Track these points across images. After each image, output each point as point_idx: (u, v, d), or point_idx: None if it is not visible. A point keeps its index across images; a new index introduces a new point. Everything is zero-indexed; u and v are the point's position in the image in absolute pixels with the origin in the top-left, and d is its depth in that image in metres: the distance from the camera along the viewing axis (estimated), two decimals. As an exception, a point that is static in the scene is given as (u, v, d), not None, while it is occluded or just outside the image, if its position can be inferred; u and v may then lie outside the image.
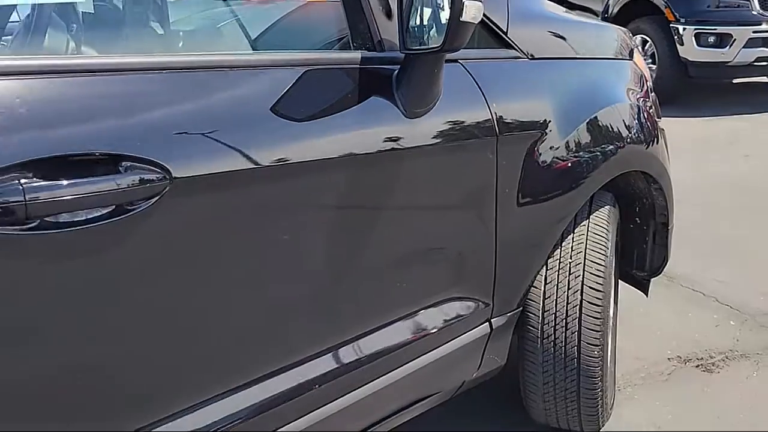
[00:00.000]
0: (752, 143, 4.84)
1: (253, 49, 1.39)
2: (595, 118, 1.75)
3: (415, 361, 1.42)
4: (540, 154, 1.59)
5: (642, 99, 1.99)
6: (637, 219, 2.10)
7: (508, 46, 1.58)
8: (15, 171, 0.85)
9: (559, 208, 1.67)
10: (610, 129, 1.79)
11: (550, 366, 1.73)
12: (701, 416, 2.03)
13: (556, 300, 1.71)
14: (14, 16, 1.72)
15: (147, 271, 1.00)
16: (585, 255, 1.72)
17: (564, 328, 1.71)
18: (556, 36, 1.79)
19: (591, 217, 1.78)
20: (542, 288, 1.71)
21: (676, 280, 2.80)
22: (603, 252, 1.74)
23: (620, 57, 2.03)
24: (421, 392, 1.52)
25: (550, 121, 1.61)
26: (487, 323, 1.58)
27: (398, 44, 1.26)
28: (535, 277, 1.69)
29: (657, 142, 1.97)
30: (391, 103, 1.28)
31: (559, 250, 1.72)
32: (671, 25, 5.78)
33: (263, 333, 1.19)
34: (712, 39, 5.60)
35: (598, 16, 6.65)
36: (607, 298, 1.75)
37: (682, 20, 5.70)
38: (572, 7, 7.10)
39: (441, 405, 1.65)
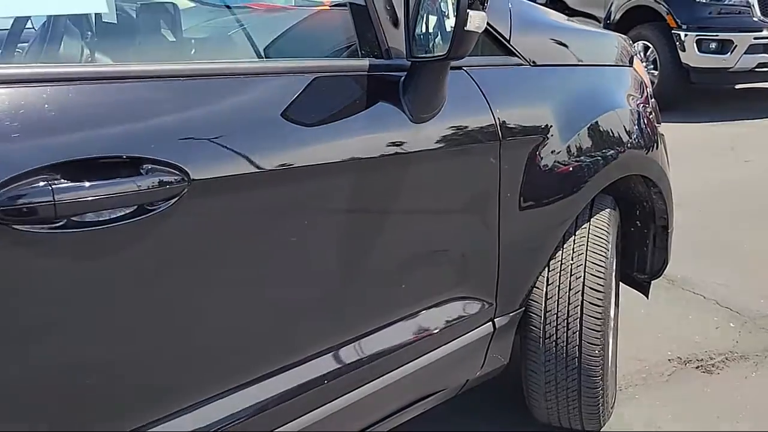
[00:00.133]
0: (753, 148, 4.88)
1: (265, 57, 1.44)
2: (596, 123, 1.79)
3: (420, 358, 1.46)
4: (542, 159, 1.64)
5: (642, 105, 2.03)
6: (637, 222, 2.14)
7: (510, 53, 1.63)
8: (45, 173, 0.90)
9: (560, 211, 1.71)
10: (611, 134, 1.83)
11: (552, 365, 1.77)
12: (701, 416, 2.06)
13: (558, 300, 1.75)
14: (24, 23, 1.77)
15: (166, 269, 1.05)
16: (586, 257, 1.76)
17: (565, 328, 1.75)
18: (558, 43, 1.83)
19: (592, 219, 1.82)
20: (544, 289, 1.75)
21: (676, 283, 2.84)
22: (603, 254, 1.78)
23: (620, 64, 2.07)
24: (427, 389, 1.56)
25: (551, 126, 1.66)
26: (491, 323, 1.62)
27: (405, 52, 1.31)
28: (537, 278, 1.73)
29: (656, 147, 2.01)
30: (398, 109, 1.33)
31: (560, 251, 1.76)
32: (673, 31, 5.83)
33: (274, 330, 1.24)
34: (713, 45, 5.64)
35: (600, 22, 6.71)
36: (607, 298, 1.79)
37: (684, 26, 5.75)
38: (574, 13, 7.17)
39: (444, 403, 1.69)
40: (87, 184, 0.93)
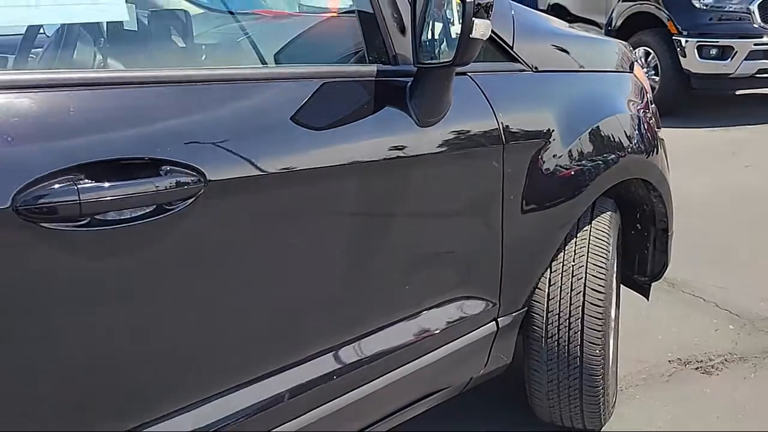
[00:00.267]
0: (754, 153, 4.91)
1: (276, 63, 1.49)
2: (597, 127, 1.83)
3: (426, 356, 1.50)
4: (544, 162, 1.68)
5: (642, 110, 2.07)
6: (638, 225, 2.17)
7: (513, 59, 1.67)
8: (70, 173, 0.94)
9: (562, 213, 1.75)
10: (611, 138, 1.87)
11: (554, 364, 1.81)
12: (701, 416, 2.09)
13: (560, 301, 1.78)
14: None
15: (183, 267, 1.09)
16: (587, 258, 1.80)
17: (567, 328, 1.78)
18: (559, 50, 1.88)
19: (593, 222, 1.86)
20: (546, 289, 1.79)
21: (677, 286, 2.88)
22: (604, 255, 1.82)
23: (621, 70, 2.11)
24: (432, 387, 1.60)
25: (553, 131, 1.70)
26: (494, 322, 1.66)
27: (411, 58, 1.35)
28: (540, 279, 1.77)
29: (656, 151, 2.05)
30: (404, 113, 1.37)
31: (562, 253, 1.80)
32: (674, 37, 5.88)
33: (284, 328, 1.28)
34: (714, 51, 5.69)
35: (601, 28, 6.76)
36: (608, 299, 1.83)
37: (685, 33, 5.80)
38: (576, 19, 7.22)
39: (445, 403, 1.72)
40: (109, 184, 0.97)
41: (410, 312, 1.47)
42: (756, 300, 2.76)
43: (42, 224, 0.93)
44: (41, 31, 1.88)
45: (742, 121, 5.79)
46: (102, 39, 1.66)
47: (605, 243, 1.84)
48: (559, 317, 1.78)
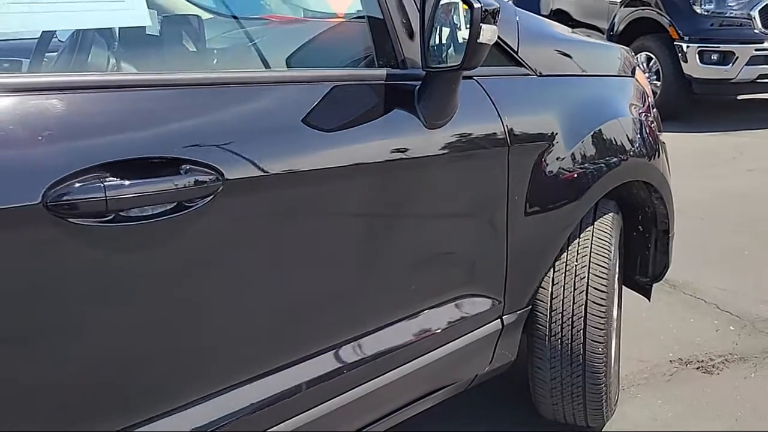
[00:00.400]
0: (755, 158, 4.95)
1: (288, 67, 1.53)
2: (599, 130, 1.87)
3: (433, 352, 1.54)
4: (548, 164, 1.72)
5: (644, 113, 2.11)
6: (639, 227, 2.21)
7: (518, 64, 1.72)
8: (96, 171, 0.99)
9: (565, 214, 1.79)
10: (614, 141, 1.91)
11: (558, 362, 1.85)
12: (701, 414, 2.13)
13: (563, 300, 1.82)
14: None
15: (201, 263, 1.13)
16: (590, 258, 1.84)
17: (570, 327, 1.82)
18: (563, 54, 1.92)
19: (595, 223, 1.90)
20: (550, 288, 1.82)
21: (678, 288, 2.91)
22: (607, 255, 1.86)
23: (623, 74, 2.16)
24: (439, 383, 1.63)
25: (557, 134, 1.74)
26: (499, 320, 1.70)
27: (420, 62, 1.40)
28: (543, 278, 1.80)
29: (658, 154, 2.09)
30: (413, 116, 1.41)
31: (565, 253, 1.84)
32: (675, 42, 5.92)
33: (297, 323, 1.32)
34: (715, 56, 5.73)
35: (603, 33, 6.81)
36: (610, 298, 1.86)
37: (686, 38, 5.84)
38: (578, 25, 7.28)
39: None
40: (133, 182, 1.02)
41: (418, 310, 1.51)
42: (756, 302, 2.80)
43: (70, 220, 0.97)
44: (55, 36, 1.92)
45: (744, 126, 5.83)
46: (125, 43, 1.71)
47: (607, 243, 1.88)
48: (563, 316, 1.82)
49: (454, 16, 1.44)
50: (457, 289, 1.59)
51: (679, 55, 5.88)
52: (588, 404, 1.91)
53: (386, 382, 1.46)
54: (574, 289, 1.82)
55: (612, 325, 1.92)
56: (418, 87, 1.43)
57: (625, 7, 6.59)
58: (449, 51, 1.43)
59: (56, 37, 1.92)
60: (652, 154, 2.07)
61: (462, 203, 1.57)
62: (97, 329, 1.05)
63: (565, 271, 1.83)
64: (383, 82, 1.41)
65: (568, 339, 1.82)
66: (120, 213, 1.01)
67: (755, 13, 5.73)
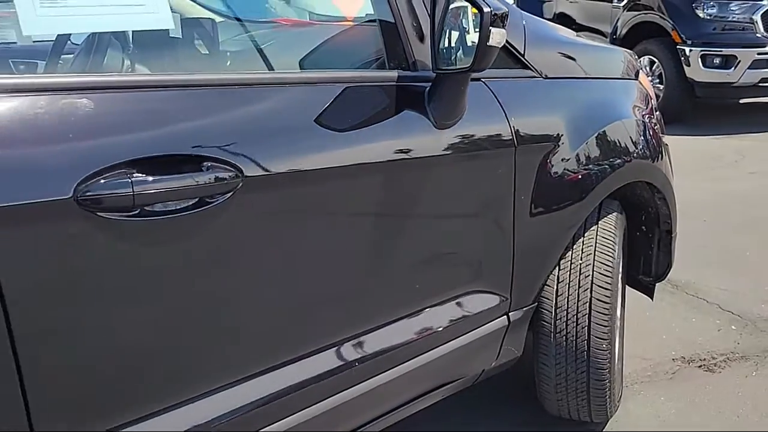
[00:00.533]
0: (757, 161, 4.99)
1: (302, 68, 1.57)
2: (604, 132, 1.91)
3: (441, 347, 1.58)
4: (553, 165, 1.76)
5: (647, 115, 2.15)
6: (643, 227, 2.25)
7: (525, 66, 1.76)
8: (124, 168, 1.03)
9: (570, 213, 1.82)
10: (617, 142, 1.95)
11: (562, 359, 1.88)
12: (703, 411, 2.17)
13: (568, 297, 1.86)
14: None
15: (221, 257, 1.17)
16: (594, 257, 1.88)
17: (575, 324, 1.86)
18: (568, 57, 1.96)
19: (600, 222, 1.93)
20: (555, 286, 1.86)
21: (681, 288, 2.95)
22: (611, 254, 1.89)
23: (626, 77, 2.20)
24: (447, 377, 1.67)
25: (562, 135, 1.78)
26: (505, 316, 1.74)
27: (431, 64, 1.44)
28: (549, 276, 1.84)
29: (661, 155, 2.13)
30: (423, 116, 1.45)
31: (570, 252, 1.87)
32: (678, 46, 5.97)
33: (308, 316, 1.36)
34: (717, 60, 5.77)
35: (606, 37, 6.86)
36: (614, 296, 1.90)
37: (689, 42, 5.89)
38: (581, 28, 7.32)
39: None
40: (158, 178, 1.06)
41: (427, 305, 1.55)
42: (758, 302, 2.84)
43: (99, 214, 1.01)
44: (69, 39, 1.97)
45: (746, 129, 5.87)
46: (146, 45, 1.75)
47: (612, 242, 1.92)
48: (567, 313, 1.86)
49: (463, 20, 1.49)
50: (465, 285, 1.63)
51: (682, 58, 5.92)
52: (592, 400, 1.94)
53: (396, 375, 1.50)
54: (579, 287, 1.86)
55: (616, 322, 1.96)
56: (428, 88, 1.47)
57: (628, 11, 6.63)
58: (458, 54, 1.48)
59: (70, 40, 1.97)
60: (656, 155, 2.11)
61: (470, 201, 1.61)
62: (122, 319, 1.09)
63: (570, 269, 1.87)
64: (395, 83, 1.45)
65: (572, 336, 1.86)
66: (145, 208, 1.05)
67: (757, 18, 5.77)
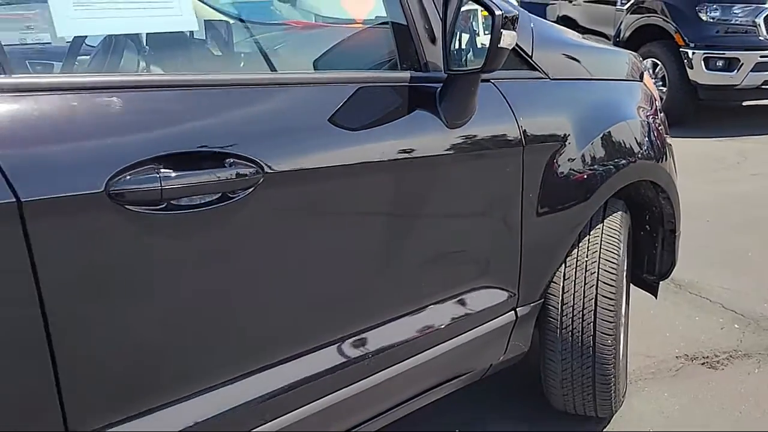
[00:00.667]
0: (759, 163, 5.02)
1: (319, 69, 1.62)
2: (609, 132, 1.95)
3: (451, 341, 1.62)
4: (559, 165, 1.80)
5: (651, 116, 2.20)
6: (647, 226, 2.29)
7: (532, 68, 1.80)
8: (152, 163, 1.07)
9: (575, 211, 1.86)
10: (622, 142, 1.99)
11: (568, 354, 1.92)
12: (706, 407, 2.20)
13: (574, 294, 1.90)
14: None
15: (242, 250, 1.22)
16: (599, 254, 1.92)
17: (581, 320, 1.90)
18: (574, 59, 2.00)
19: (605, 221, 1.97)
20: (561, 283, 1.90)
21: (684, 288, 2.99)
22: (616, 252, 1.93)
23: (631, 78, 2.24)
24: (456, 371, 1.72)
25: (569, 135, 1.82)
26: (513, 312, 1.78)
27: (442, 66, 1.48)
28: (555, 273, 1.88)
29: (665, 155, 2.17)
30: (434, 116, 1.50)
31: (576, 249, 1.92)
32: (681, 49, 6.00)
33: (322, 308, 1.40)
34: (720, 63, 5.81)
35: (609, 40, 6.89)
36: (619, 293, 1.94)
37: (692, 45, 5.92)
38: (585, 31, 7.35)
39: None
40: (184, 173, 1.11)
41: (436, 300, 1.59)
42: (760, 301, 2.87)
43: (128, 207, 1.05)
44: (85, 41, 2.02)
45: (749, 132, 5.90)
46: (147, 48, 1.80)
47: (616, 240, 1.96)
48: (573, 309, 1.90)
49: (473, 23, 1.53)
50: (474, 281, 1.67)
51: (685, 61, 5.96)
52: (597, 395, 1.98)
53: (407, 368, 1.54)
54: (585, 284, 1.90)
55: (621, 319, 1.99)
56: (439, 89, 1.51)
57: (632, 14, 6.67)
58: (469, 55, 1.52)
59: (86, 43, 2.02)
60: (660, 155, 2.15)
61: (479, 199, 1.66)
62: (147, 309, 1.13)
63: (576, 266, 1.91)
64: (407, 84, 1.49)
65: (578, 332, 1.90)
66: (172, 202, 1.10)
67: (760, 21, 5.80)
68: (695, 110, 6.17)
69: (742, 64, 5.74)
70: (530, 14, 1.89)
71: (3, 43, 1.00)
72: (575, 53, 2.02)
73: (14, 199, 0.95)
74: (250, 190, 1.18)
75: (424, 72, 1.53)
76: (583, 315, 1.90)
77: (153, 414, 1.15)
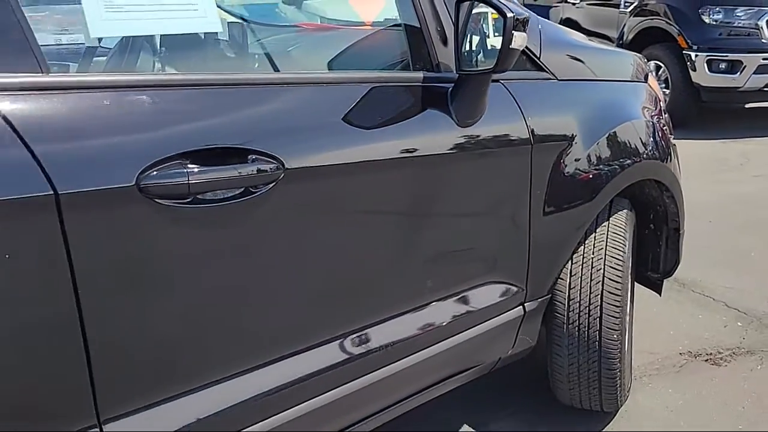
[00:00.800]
0: (762, 164, 5.06)
1: (334, 69, 1.67)
2: (614, 132, 2.00)
3: (462, 334, 1.67)
4: (566, 164, 1.84)
5: (656, 116, 2.24)
6: (651, 225, 2.33)
7: (540, 68, 1.84)
8: (179, 159, 1.12)
9: (582, 209, 1.91)
10: (628, 142, 2.04)
11: (575, 349, 1.96)
12: (709, 402, 2.24)
13: (580, 290, 1.94)
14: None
15: (263, 242, 1.27)
16: (605, 251, 1.96)
17: (587, 315, 1.94)
18: (581, 60, 2.05)
19: (611, 219, 2.02)
20: (568, 279, 1.94)
21: (687, 286, 3.03)
22: (621, 249, 1.98)
23: (636, 79, 2.28)
24: (466, 363, 1.76)
25: (575, 134, 1.87)
26: (521, 307, 1.82)
27: (454, 66, 1.53)
28: (562, 269, 1.93)
29: (669, 155, 2.22)
30: (446, 115, 1.54)
31: (582, 247, 1.96)
32: (684, 51, 6.04)
33: (340, 300, 1.44)
34: (723, 65, 5.84)
35: (613, 42, 6.93)
36: (624, 289, 1.98)
37: (695, 47, 5.96)
38: (588, 34, 7.38)
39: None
40: (209, 168, 1.15)
41: (449, 293, 1.64)
42: (763, 300, 2.91)
43: (157, 200, 1.10)
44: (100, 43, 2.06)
45: (751, 133, 5.94)
46: (163, 49, 1.85)
47: (622, 238, 2.00)
48: (580, 305, 1.94)
49: (483, 25, 1.58)
50: (484, 276, 1.72)
51: (688, 63, 5.99)
52: (603, 389, 2.02)
53: (419, 360, 1.59)
54: (591, 280, 1.94)
55: (626, 315, 2.04)
56: (450, 89, 1.56)
57: (635, 16, 6.71)
58: (479, 56, 1.57)
59: (100, 45, 2.06)
60: (665, 155, 2.19)
61: (489, 196, 1.70)
62: (174, 298, 1.18)
63: (583, 263, 1.95)
64: (420, 84, 1.54)
65: (584, 327, 1.94)
66: (198, 196, 1.14)
67: (763, 23, 5.84)
68: (698, 112, 6.21)
69: (745, 66, 5.78)
70: (539, 16, 1.94)
71: (40, 44, 1.05)
72: (581, 54, 2.07)
73: (52, 192, 1.00)
74: (272, 185, 1.23)
75: (436, 72, 1.58)
76: (589, 310, 1.94)
77: (175, 401, 1.19)
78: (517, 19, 1.40)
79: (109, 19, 1.09)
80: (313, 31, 2.20)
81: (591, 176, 1.90)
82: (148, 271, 1.13)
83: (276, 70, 1.78)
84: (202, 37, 1.75)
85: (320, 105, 1.41)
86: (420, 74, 1.56)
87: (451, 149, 1.56)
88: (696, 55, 5.92)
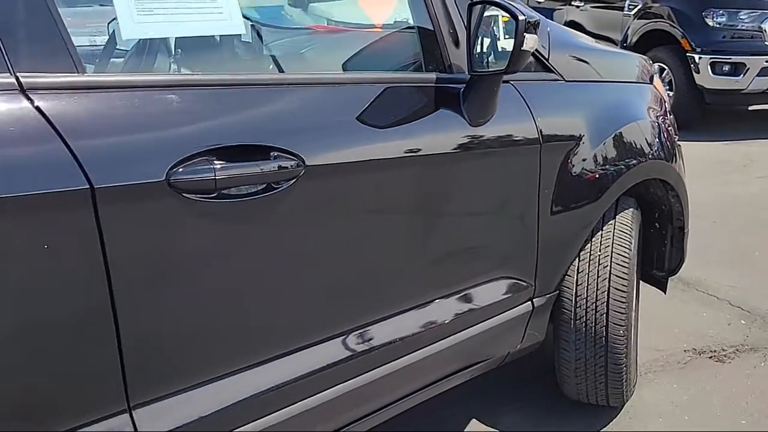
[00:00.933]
0: (765, 165, 5.09)
1: (349, 70, 1.71)
2: (620, 132, 2.04)
3: (472, 328, 1.71)
4: (574, 164, 1.89)
5: (661, 117, 2.28)
6: (656, 224, 2.37)
7: (548, 70, 1.89)
8: (206, 155, 1.17)
9: (589, 207, 1.95)
10: (633, 142, 2.08)
11: (582, 344, 2.01)
12: (713, 398, 2.28)
13: (587, 286, 1.98)
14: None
15: (284, 237, 1.31)
16: (612, 249, 2.00)
17: (594, 311, 1.98)
18: (587, 62, 2.09)
19: (617, 217, 2.06)
20: (575, 276, 1.99)
21: (692, 285, 3.07)
22: (627, 246, 2.02)
23: (641, 81, 2.33)
24: (476, 357, 1.81)
25: (583, 135, 1.91)
26: (530, 302, 1.87)
27: (466, 67, 1.58)
28: (569, 266, 1.97)
29: (674, 154, 2.26)
30: (458, 115, 1.59)
31: (589, 244, 2.00)
32: (688, 54, 6.07)
33: (357, 293, 1.49)
34: (726, 68, 5.88)
35: (617, 45, 6.97)
36: (630, 286, 2.02)
37: (698, 50, 5.99)
38: (592, 37, 7.42)
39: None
40: (234, 164, 1.20)
41: (458, 289, 1.69)
42: (766, 298, 2.95)
43: (185, 195, 1.15)
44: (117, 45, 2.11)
45: (754, 135, 5.97)
46: (179, 50, 1.89)
47: (628, 236, 2.05)
48: (587, 301, 1.98)
49: (494, 28, 1.63)
50: (494, 272, 1.76)
51: (692, 66, 6.03)
52: (609, 384, 2.06)
53: (432, 352, 1.63)
54: (598, 277, 1.98)
55: (631, 311, 2.08)
56: (462, 89, 1.61)
57: (639, 19, 6.75)
58: (490, 58, 1.62)
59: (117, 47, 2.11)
60: (669, 155, 2.23)
61: (499, 194, 1.75)
62: (202, 289, 1.23)
63: (590, 260, 2.00)
64: (433, 84, 1.59)
65: (591, 322, 1.98)
66: (223, 191, 1.19)
67: (766, 26, 5.88)
68: (702, 114, 6.24)
69: (748, 68, 5.82)
70: (547, 19, 1.99)
71: (76, 45, 1.10)
72: (588, 56, 2.11)
73: (88, 186, 1.05)
74: (293, 181, 1.28)
75: (448, 73, 1.62)
76: (596, 306, 1.98)
77: (199, 388, 1.24)
78: (529, 21, 1.45)
79: (141, 21, 1.14)
80: (328, 34, 2.25)
81: (598, 176, 1.95)
82: (175, 262, 1.18)
83: (293, 71, 1.83)
84: (219, 39, 1.80)
85: (338, 104, 1.46)
86: (433, 75, 1.60)
87: (463, 148, 1.60)
88: (699, 58, 5.96)
